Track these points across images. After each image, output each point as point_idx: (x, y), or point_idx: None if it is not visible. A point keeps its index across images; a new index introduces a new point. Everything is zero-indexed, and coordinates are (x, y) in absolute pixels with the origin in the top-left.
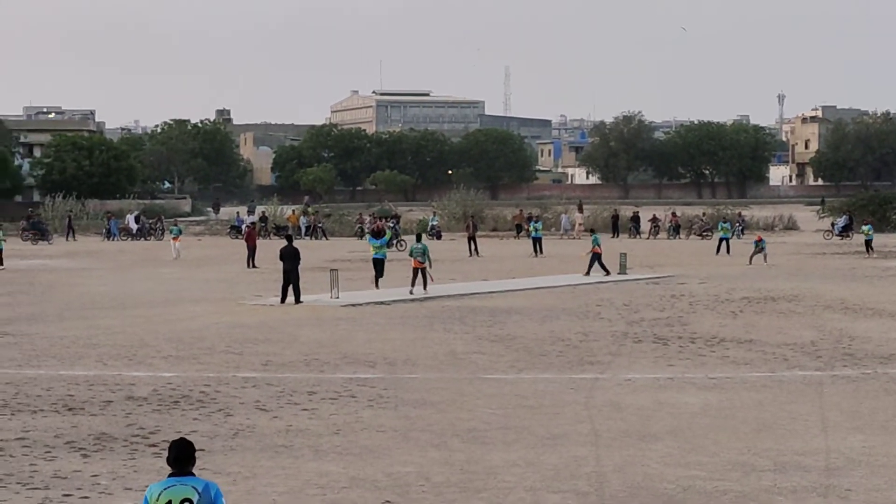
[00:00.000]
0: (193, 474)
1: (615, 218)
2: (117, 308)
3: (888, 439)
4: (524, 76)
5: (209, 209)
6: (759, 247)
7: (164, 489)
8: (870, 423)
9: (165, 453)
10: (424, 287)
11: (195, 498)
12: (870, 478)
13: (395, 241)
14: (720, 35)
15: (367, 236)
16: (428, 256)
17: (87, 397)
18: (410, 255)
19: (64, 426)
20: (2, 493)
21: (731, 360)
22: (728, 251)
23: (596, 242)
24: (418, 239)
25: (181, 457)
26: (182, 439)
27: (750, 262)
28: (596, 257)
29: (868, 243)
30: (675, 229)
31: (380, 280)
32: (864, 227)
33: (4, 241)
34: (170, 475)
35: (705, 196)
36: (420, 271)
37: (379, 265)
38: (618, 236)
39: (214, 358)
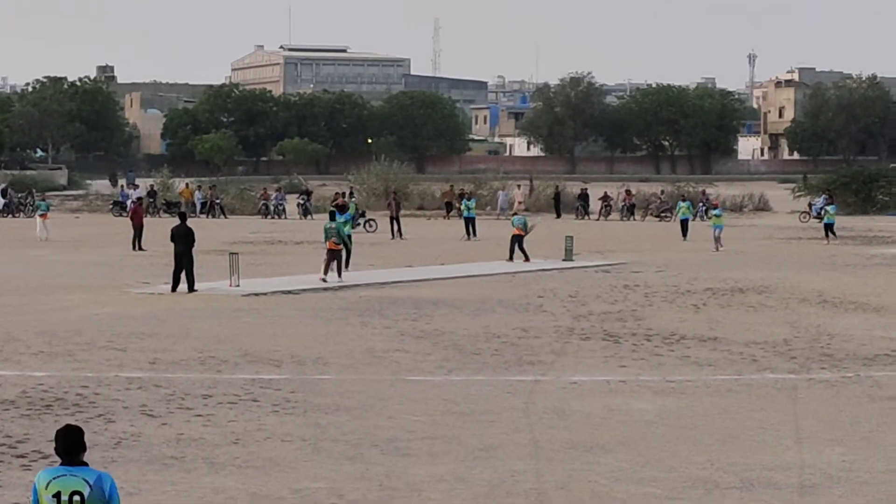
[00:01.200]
0: (86, 464)
1: (557, 196)
2: None
3: (870, 453)
4: (456, 31)
5: (91, 182)
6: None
7: (54, 478)
8: (850, 435)
9: (34, 465)
10: (339, 273)
11: (86, 491)
12: (850, 497)
13: (361, 220)
14: None
15: (335, 215)
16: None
17: None
18: (325, 235)
19: None
20: None
21: (693, 360)
22: (685, 235)
23: (520, 224)
24: (332, 217)
25: (70, 447)
26: (69, 426)
27: (716, 248)
28: (516, 240)
29: (828, 227)
30: (630, 209)
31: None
32: (829, 208)
33: None
34: (60, 464)
35: (664, 171)
36: (335, 254)
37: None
38: (560, 217)
39: (94, 355)
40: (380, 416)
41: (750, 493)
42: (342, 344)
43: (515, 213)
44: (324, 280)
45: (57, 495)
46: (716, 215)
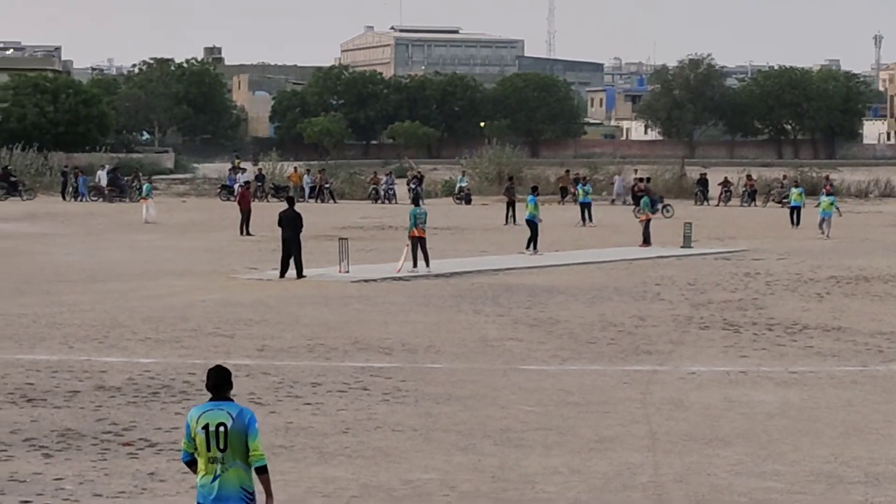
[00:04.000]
0: (231, 399)
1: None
2: (86, 281)
3: None
4: (571, 11)
5: (198, 166)
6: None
7: (203, 412)
8: None
9: (140, 454)
10: (427, 262)
11: (229, 423)
12: None
13: (660, 205)
14: None
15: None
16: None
17: (50, 386)
18: (414, 222)
19: (22, 420)
20: None
21: (816, 350)
22: (797, 222)
23: (647, 207)
24: (415, 202)
25: (219, 383)
26: (218, 366)
27: (826, 235)
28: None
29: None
30: (751, 195)
31: None
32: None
33: None
34: (209, 400)
35: (786, 156)
36: (421, 242)
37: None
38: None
39: (200, 341)
40: (492, 406)
41: (875, 488)
42: (454, 332)
43: (646, 193)
44: (414, 270)
45: (206, 427)
46: (828, 202)
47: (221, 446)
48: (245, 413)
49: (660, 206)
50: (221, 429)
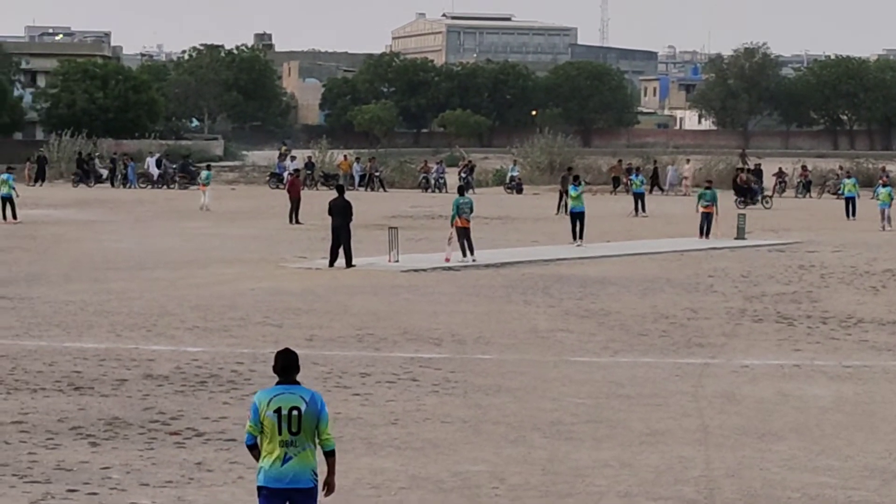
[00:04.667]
0: (299, 383)
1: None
2: (134, 269)
3: None
4: None
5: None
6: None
7: (274, 396)
8: None
9: (188, 443)
10: (472, 252)
11: (303, 407)
12: None
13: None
14: None
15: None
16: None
17: (97, 375)
18: (457, 212)
19: (69, 408)
20: None
21: (871, 344)
22: (853, 213)
23: (709, 199)
24: (461, 192)
25: (288, 365)
26: (287, 349)
27: (883, 228)
28: (706, 217)
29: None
30: (806, 186)
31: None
32: (882, 190)
33: (15, 190)
34: (277, 384)
35: (842, 147)
36: (465, 232)
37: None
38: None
39: (249, 331)
40: (543, 398)
41: None
42: (504, 323)
43: (708, 188)
44: (464, 259)
45: (278, 411)
46: (886, 193)
47: (294, 430)
48: (317, 398)
49: (759, 197)
50: (295, 412)
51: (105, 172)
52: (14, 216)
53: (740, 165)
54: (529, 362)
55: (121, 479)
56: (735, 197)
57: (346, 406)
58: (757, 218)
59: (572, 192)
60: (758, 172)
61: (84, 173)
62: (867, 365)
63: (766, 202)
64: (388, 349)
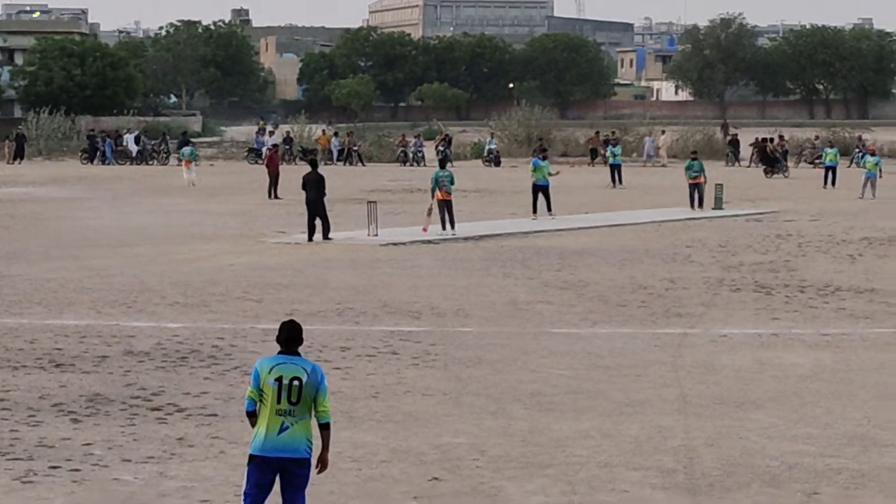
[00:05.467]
0: (300, 354)
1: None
2: (114, 246)
3: None
4: None
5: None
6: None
7: (276, 365)
8: None
9: (169, 419)
10: (452, 225)
11: (304, 378)
12: None
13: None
14: None
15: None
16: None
17: (79, 351)
18: (435, 185)
19: (51, 385)
20: None
21: (849, 312)
22: (833, 182)
23: (697, 170)
24: (442, 166)
25: (292, 337)
26: (292, 321)
27: (872, 196)
28: (696, 188)
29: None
30: (783, 155)
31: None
32: (870, 158)
33: None
34: (279, 353)
35: (818, 116)
36: (447, 205)
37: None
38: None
39: (229, 306)
40: (522, 370)
41: None
42: (483, 295)
43: (695, 158)
44: (443, 233)
45: (279, 379)
46: (873, 163)
47: (294, 400)
48: (318, 370)
49: (780, 166)
50: (296, 383)
51: (135, 150)
52: None
53: (765, 136)
54: (509, 334)
55: (103, 455)
56: (763, 167)
57: (326, 380)
58: (732, 187)
59: (533, 166)
60: (735, 143)
61: (92, 151)
62: (845, 333)
63: (786, 172)
64: (368, 323)
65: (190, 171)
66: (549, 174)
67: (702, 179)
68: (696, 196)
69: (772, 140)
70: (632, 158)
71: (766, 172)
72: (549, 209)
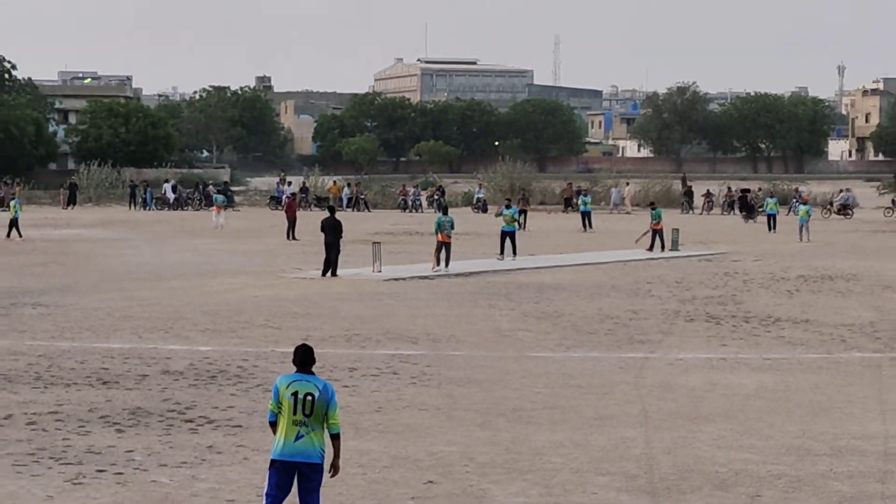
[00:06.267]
0: (314, 373)
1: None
2: (153, 279)
3: None
4: (574, 45)
5: (251, 180)
6: (804, 212)
7: (293, 381)
8: None
9: (200, 429)
10: (447, 263)
11: (316, 394)
12: None
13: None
14: (778, 3)
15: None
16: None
17: (122, 371)
18: (438, 229)
19: (98, 400)
20: (34, 467)
21: (787, 340)
22: (774, 227)
23: (657, 217)
24: (444, 212)
25: (306, 359)
26: (305, 344)
27: (806, 240)
28: (657, 234)
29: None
30: (731, 205)
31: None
32: (802, 207)
33: (20, 210)
34: (295, 372)
35: (761, 171)
36: (445, 246)
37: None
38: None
39: (253, 332)
40: (506, 389)
41: (839, 459)
42: (472, 324)
43: (654, 207)
44: (437, 269)
45: (295, 394)
46: (805, 210)
47: (307, 412)
48: (329, 387)
49: (755, 214)
50: (309, 398)
51: (172, 197)
52: (18, 233)
53: (745, 187)
54: (494, 357)
55: (143, 461)
56: (743, 213)
57: (336, 396)
58: (687, 232)
59: (504, 213)
60: (689, 193)
61: (132, 199)
62: (784, 357)
63: (757, 218)
64: (373, 347)
65: (219, 216)
66: (514, 217)
67: (661, 226)
68: (660, 240)
69: (749, 190)
70: (601, 207)
71: (744, 218)
72: (514, 252)
